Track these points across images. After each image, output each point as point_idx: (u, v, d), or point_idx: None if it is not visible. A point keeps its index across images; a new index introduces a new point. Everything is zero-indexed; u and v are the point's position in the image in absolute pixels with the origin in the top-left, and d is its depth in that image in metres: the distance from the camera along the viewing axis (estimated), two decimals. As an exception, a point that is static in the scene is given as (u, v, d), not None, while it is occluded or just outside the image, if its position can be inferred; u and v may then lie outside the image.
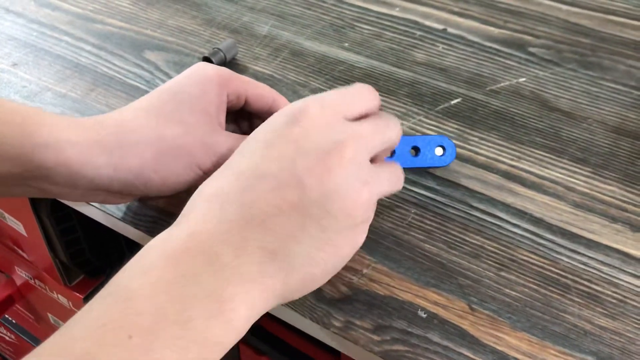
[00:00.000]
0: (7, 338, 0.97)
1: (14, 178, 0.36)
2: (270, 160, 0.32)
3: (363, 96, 0.36)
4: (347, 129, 0.33)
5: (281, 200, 0.30)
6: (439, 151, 0.44)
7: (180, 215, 0.32)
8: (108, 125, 0.37)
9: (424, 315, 0.38)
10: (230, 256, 0.29)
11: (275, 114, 0.35)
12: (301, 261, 0.31)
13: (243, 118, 0.46)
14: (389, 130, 0.35)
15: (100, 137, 0.36)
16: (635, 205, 0.44)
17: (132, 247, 0.65)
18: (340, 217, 0.31)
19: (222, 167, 0.34)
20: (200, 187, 0.33)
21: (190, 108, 0.39)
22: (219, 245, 0.29)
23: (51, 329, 0.82)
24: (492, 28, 0.61)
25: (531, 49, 0.58)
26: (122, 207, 0.45)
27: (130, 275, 0.29)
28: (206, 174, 0.39)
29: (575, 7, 0.64)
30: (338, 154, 0.32)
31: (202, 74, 0.40)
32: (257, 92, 0.43)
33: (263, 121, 0.35)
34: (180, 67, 0.56)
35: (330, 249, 0.31)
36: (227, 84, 0.41)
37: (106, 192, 0.38)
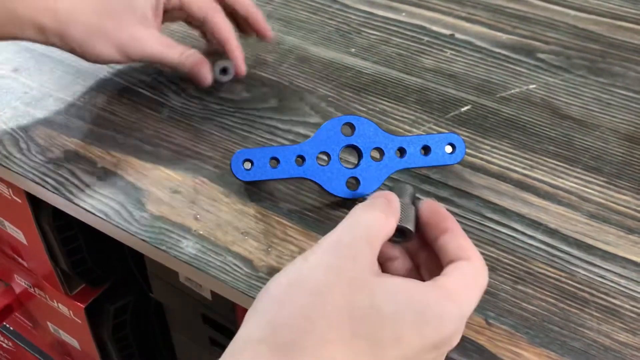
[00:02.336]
0: (4, 345, 0.95)
1: None
2: None
3: None
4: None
5: None
6: (448, 149, 0.43)
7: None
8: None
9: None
10: None
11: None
12: None
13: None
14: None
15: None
16: (651, 216, 0.43)
17: (136, 257, 0.64)
18: None
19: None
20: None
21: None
22: None
23: (50, 338, 0.81)
24: (500, 34, 0.60)
25: (540, 55, 0.58)
26: (127, 216, 0.44)
27: None
28: (130, 59, 0.49)
29: (583, 12, 0.63)
30: None
31: None
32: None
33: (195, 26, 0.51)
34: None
35: None
36: None
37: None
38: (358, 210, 0.33)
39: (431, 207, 0.35)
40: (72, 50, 0.48)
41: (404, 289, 0.30)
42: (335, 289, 0.29)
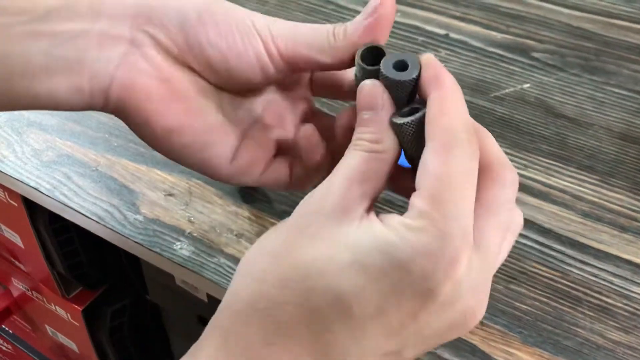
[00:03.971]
0: (4, 348, 0.95)
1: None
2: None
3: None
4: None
5: None
6: None
7: None
8: None
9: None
10: None
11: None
12: None
13: None
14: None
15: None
16: (644, 214, 0.43)
17: (132, 259, 0.64)
18: None
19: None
20: None
21: None
22: None
23: (49, 341, 0.81)
24: (494, 33, 0.60)
25: (534, 54, 0.58)
26: (121, 219, 0.44)
27: None
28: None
29: (577, 10, 0.63)
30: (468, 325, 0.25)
31: None
32: None
33: None
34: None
35: None
36: None
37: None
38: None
39: (427, 59, 0.26)
40: None
41: (364, 235, 0.24)
42: (294, 247, 0.25)
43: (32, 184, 0.46)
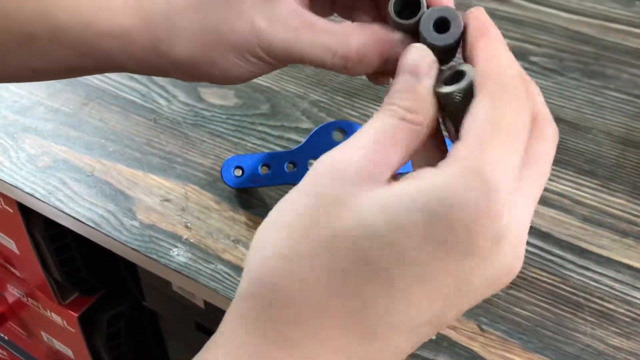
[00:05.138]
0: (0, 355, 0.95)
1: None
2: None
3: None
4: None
5: None
6: None
7: None
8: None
9: (434, 337, 0.37)
10: None
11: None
12: None
13: None
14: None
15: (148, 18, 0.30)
16: (645, 219, 0.43)
17: (129, 265, 0.64)
18: None
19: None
20: None
21: None
22: None
23: (44, 347, 0.81)
24: (492, 37, 0.60)
25: (533, 58, 0.57)
26: (117, 225, 0.43)
27: None
28: (264, 62, 0.29)
29: (575, 14, 0.63)
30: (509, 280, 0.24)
31: None
32: None
33: None
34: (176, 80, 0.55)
35: None
36: None
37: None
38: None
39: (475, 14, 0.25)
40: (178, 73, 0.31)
41: (396, 196, 0.21)
42: (318, 219, 0.22)
43: (28, 189, 0.46)
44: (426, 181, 0.21)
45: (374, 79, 0.31)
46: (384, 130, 0.23)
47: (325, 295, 0.22)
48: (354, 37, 0.28)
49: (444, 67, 0.25)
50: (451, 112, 0.24)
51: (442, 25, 0.25)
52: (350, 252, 0.21)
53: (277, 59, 0.29)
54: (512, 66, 0.23)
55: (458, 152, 0.21)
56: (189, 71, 0.30)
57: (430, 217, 0.21)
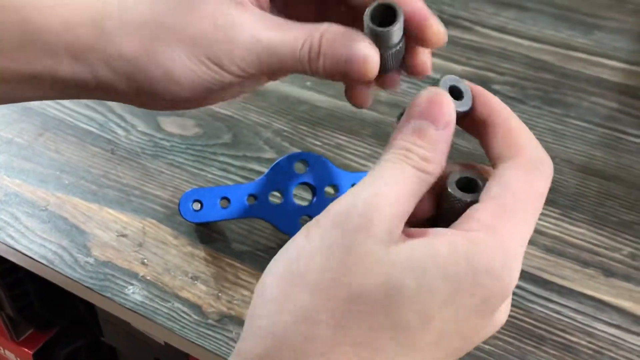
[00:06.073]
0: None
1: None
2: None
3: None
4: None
5: None
6: None
7: None
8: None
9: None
10: None
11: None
12: None
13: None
14: None
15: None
16: (606, 249, 0.43)
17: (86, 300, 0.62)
18: None
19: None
20: None
21: None
22: None
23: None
24: (455, 65, 0.60)
25: (495, 87, 0.58)
26: (70, 262, 0.42)
27: None
28: (224, 70, 0.28)
29: (537, 42, 0.64)
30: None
31: None
32: None
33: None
34: (135, 109, 0.54)
35: None
36: None
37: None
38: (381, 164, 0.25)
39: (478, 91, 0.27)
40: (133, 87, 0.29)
41: (424, 256, 0.22)
42: (342, 278, 0.22)
43: (-23, 225, 0.44)
44: (457, 246, 0.22)
45: (349, 93, 0.32)
46: (405, 183, 0.24)
47: (353, 354, 0.22)
48: (321, 28, 0.28)
49: (457, 175, 0.25)
50: (448, 210, 0.25)
51: (453, 92, 0.26)
52: (380, 318, 0.22)
53: (238, 65, 0.28)
54: (537, 146, 0.26)
55: (483, 217, 0.23)
56: (130, 74, 0.28)
57: (459, 285, 0.22)
